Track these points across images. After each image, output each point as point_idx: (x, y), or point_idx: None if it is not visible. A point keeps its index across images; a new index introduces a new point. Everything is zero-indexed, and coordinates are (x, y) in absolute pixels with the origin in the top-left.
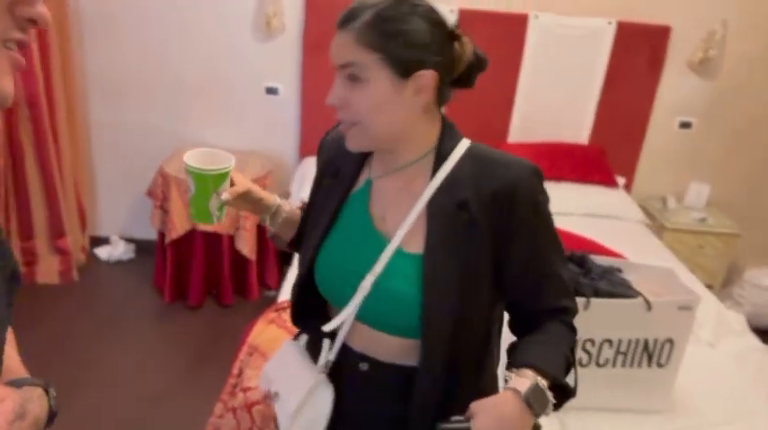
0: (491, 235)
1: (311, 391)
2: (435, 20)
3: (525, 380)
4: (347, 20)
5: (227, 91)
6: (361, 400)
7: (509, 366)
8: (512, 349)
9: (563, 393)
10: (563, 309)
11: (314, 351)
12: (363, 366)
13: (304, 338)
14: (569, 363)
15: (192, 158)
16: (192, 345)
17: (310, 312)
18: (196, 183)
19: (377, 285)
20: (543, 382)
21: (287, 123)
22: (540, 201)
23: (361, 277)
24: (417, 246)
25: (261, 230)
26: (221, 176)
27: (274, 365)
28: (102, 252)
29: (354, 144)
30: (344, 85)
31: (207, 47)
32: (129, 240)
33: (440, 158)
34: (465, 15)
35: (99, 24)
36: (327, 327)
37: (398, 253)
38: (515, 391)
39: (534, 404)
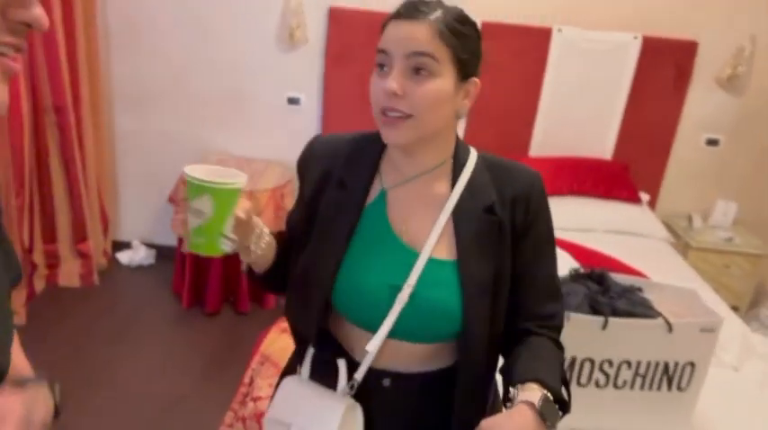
0: (512, 233)
1: (344, 418)
2: (480, 36)
3: (534, 393)
4: (418, 11)
5: (249, 100)
6: (386, 417)
7: (511, 383)
8: (508, 368)
9: (561, 409)
10: (554, 315)
11: (322, 376)
12: (385, 382)
13: (306, 371)
14: (564, 379)
15: (199, 174)
16: (208, 351)
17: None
18: (215, 202)
19: (414, 297)
20: (549, 395)
21: (308, 133)
22: (547, 205)
23: (395, 291)
24: (446, 253)
25: None
26: (238, 193)
27: (283, 407)
28: (124, 257)
29: (401, 137)
30: (407, 76)
31: (230, 57)
32: (150, 246)
33: (458, 166)
34: (488, 28)
35: (125, 34)
36: (371, 346)
37: (430, 261)
38: (529, 404)
39: (547, 415)
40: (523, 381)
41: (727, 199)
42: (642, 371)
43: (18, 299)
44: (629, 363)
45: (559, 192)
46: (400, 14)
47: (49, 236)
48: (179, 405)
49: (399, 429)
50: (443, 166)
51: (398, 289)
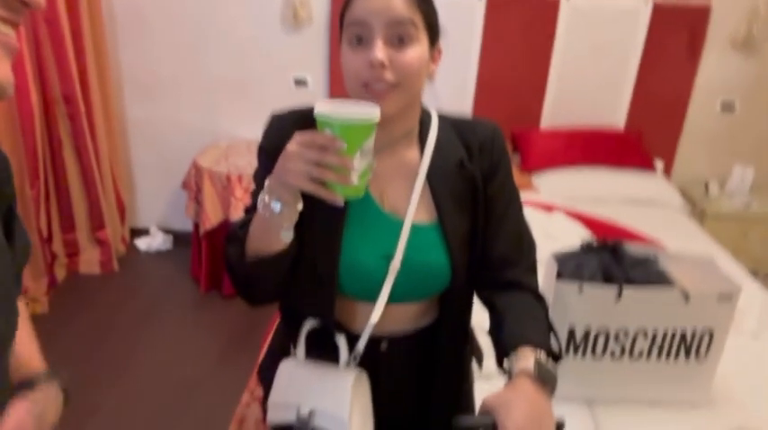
0: (482, 182)
1: (355, 388)
2: None
3: (527, 360)
4: None
5: (256, 84)
6: (385, 378)
7: (504, 352)
8: (495, 332)
9: (554, 360)
10: (526, 257)
11: (318, 354)
12: (383, 346)
13: (301, 351)
14: (551, 329)
15: (339, 113)
16: (226, 334)
17: (308, 310)
18: (369, 142)
19: (405, 263)
20: (542, 355)
21: None
22: (507, 153)
23: (387, 260)
24: (427, 216)
25: None
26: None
27: (286, 390)
28: (142, 243)
29: (391, 107)
30: (389, 45)
31: (236, 41)
32: (167, 231)
33: (424, 130)
34: (495, 1)
35: (131, 22)
36: (373, 317)
37: (413, 227)
38: (526, 373)
39: (545, 378)
40: (515, 348)
41: (744, 164)
42: (659, 340)
43: (40, 288)
44: (645, 333)
45: (572, 163)
46: None
47: (68, 225)
48: (199, 386)
49: (398, 386)
50: (412, 133)
51: (390, 258)
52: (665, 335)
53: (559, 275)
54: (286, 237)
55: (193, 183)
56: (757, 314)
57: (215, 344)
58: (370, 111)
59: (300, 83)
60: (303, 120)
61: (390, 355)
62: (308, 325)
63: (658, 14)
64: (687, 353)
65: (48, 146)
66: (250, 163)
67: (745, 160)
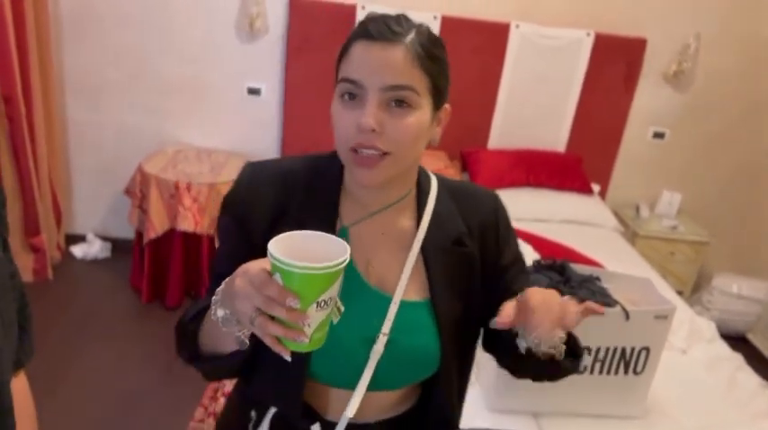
0: (482, 263)
1: None
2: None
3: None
4: (391, 31)
5: (208, 90)
6: None
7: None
8: (494, 333)
9: None
10: None
11: None
12: None
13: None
14: None
15: (285, 252)
16: (169, 347)
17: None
18: (330, 291)
19: (390, 346)
20: None
21: (268, 124)
22: (511, 224)
23: (370, 343)
24: (418, 293)
25: None
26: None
27: None
28: (78, 250)
29: (378, 178)
30: (383, 109)
31: (189, 46)
32: (105, 238)
33: (422, 195)
34: (448, 22)
35: (78, 22)
36: (350, 411)
37: (402, 304)
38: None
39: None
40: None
41: (672, 189)
42: (601, 356)
43: None
44: (588, 350)
45: (516, 184)
46: (370, 35)
47: None
48: (140, 402)
49: None
50: (407, 197)
51: (373, 340)
52: (606, 352)
53: None
54: (242, 343)
55: (138, 190)
56: (686, 331)
57: (158, 358)
58: (337, 253)
59: (253, 92)
60: (286, 178)
61: None
62: (272, 412)
63: (599, 45)
64: (626, 367)
65: None
66: (200, 171)
67: (672, 186)
